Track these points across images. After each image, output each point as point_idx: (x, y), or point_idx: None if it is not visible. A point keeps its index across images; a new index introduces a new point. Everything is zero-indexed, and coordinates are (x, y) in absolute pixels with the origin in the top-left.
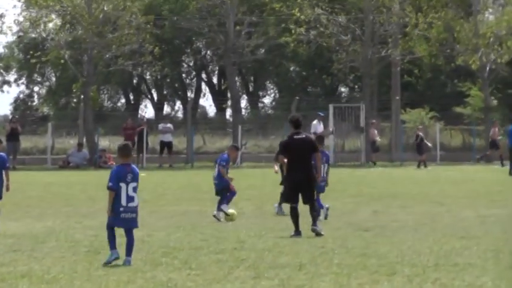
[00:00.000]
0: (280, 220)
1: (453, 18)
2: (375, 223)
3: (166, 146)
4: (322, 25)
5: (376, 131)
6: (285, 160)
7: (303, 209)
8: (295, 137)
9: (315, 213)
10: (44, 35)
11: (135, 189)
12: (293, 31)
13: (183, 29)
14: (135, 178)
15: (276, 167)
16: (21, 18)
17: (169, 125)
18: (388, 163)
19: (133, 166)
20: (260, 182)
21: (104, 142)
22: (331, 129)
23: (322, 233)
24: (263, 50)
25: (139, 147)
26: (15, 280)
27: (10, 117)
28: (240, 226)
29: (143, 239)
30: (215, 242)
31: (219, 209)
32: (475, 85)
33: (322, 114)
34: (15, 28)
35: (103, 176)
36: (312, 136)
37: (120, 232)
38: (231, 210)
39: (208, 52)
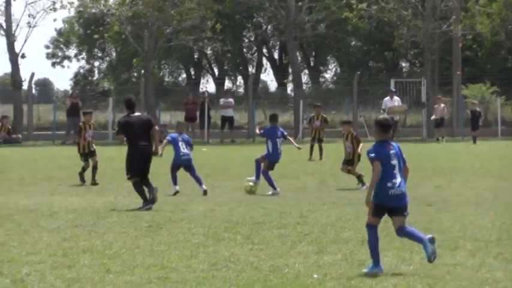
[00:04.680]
0: (343, 195)
1: None
2: (438, 198)
3: (227, 121)
4: (383, 0)
5: (442, 105)
6: (124, 138)
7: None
8: (132, 115)
9: (151, 195)
10: (105, 10)
11: None
12: (354, 6)
13: (243, 3)
14: None
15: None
16: None
17: (230, 99)
18: (449, 138)
19: None
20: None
21: (165, 117)
22: (406, 105)
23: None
24: (324, 25)
25: (201, 122)
26: (77, 255)
27: (70, 92)
28: (303, 201)
29: (205, 213)
30: (278, 216)
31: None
32: None
33: (393, 90)
34: (75, 3)
35: (164, 151)
36: (148, 115)
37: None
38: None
39: (269, 27)
